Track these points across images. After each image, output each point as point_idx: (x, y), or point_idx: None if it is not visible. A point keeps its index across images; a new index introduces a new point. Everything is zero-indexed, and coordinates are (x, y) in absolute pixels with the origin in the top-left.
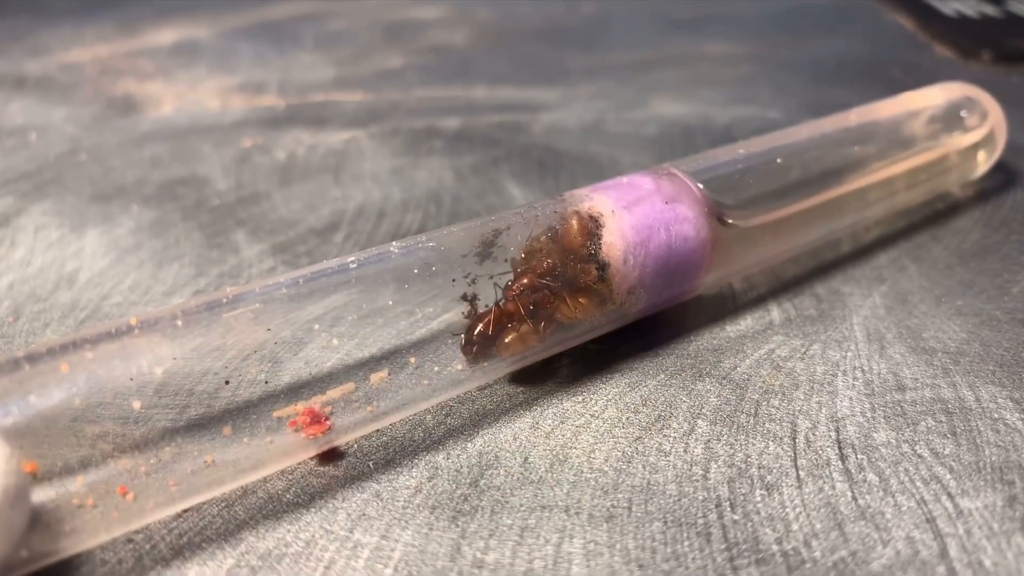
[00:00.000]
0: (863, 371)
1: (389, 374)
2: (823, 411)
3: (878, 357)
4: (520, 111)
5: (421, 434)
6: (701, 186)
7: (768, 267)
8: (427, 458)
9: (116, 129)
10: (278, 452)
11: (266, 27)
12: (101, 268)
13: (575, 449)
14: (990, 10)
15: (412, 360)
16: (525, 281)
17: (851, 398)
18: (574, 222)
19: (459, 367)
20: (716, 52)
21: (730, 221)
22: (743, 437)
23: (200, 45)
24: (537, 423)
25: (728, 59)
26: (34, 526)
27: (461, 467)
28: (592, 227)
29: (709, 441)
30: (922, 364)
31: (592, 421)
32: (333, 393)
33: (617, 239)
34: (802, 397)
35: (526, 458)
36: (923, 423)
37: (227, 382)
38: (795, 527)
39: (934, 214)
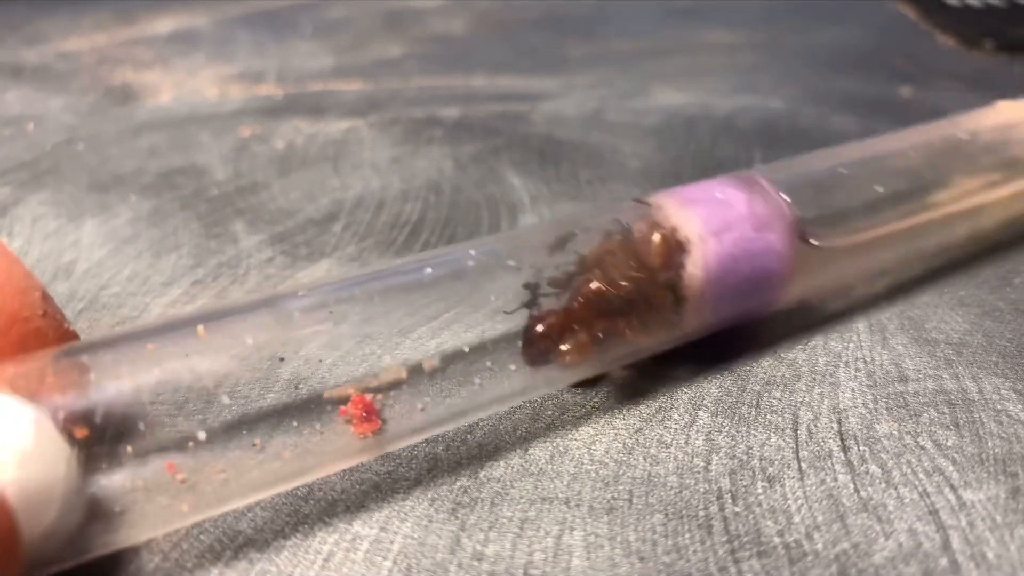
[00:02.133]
0: (865, 362)
1: (440, 363)
2: (825, 402)
3: (880, 348)
4: (520, 100)
5: None
6: (793, 208)
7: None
8: (426, 450)
9: (114, 118)
10: (331, 450)
11: (264, 15)
12: (99, 258)
13: (575, 441)
14: None
15: (471, 361)
16: (597, 288)
17: (853, 389)
18: (658, 242)
19: (515, 371)
20: (717, 40)
21: (814, 242)
22: (744, 428)
23: (198, 33)
24: (537, 414)
25: (729, 48)
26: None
27: (461, 459)
28: (677, 253)
29: (710, 432)
30: (924, 355)
31: (592, 412)
32: (385, 376)
33: (700, 271)
34: (804, 388)
35: (526, 450)
36: (925, 414)
37: (281, 359)
38: (797, 519)
39: None
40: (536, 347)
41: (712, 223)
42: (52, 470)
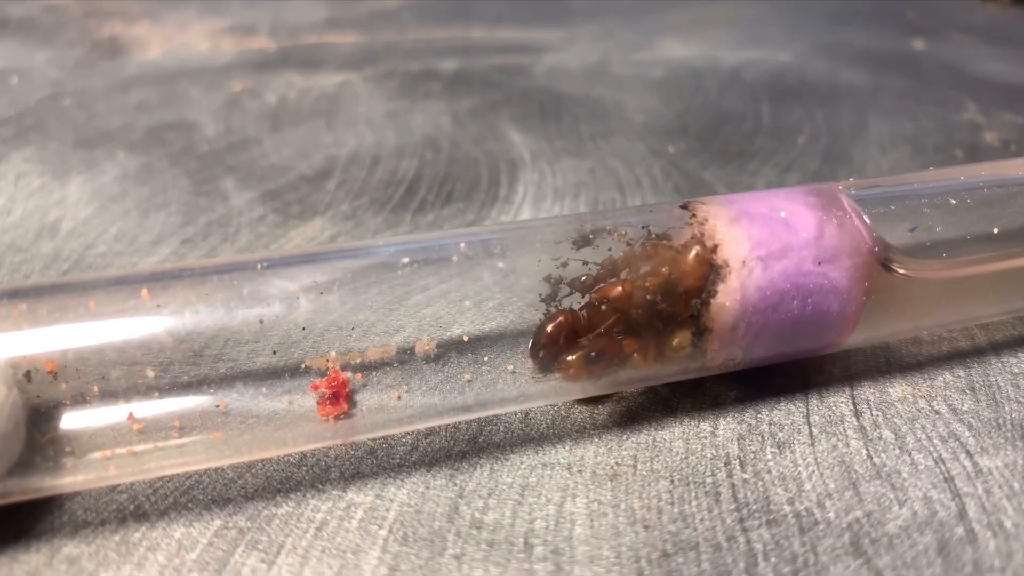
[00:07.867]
0: None
1: (437, 346)
2: (836, 365)
3: None
4: (521, 53)
5: None
6: (875, 234)
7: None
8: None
9: (101, 73)
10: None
11: None
12: (85, 217)
13: (578, 404)
14: None
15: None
16: (609, 301)
17: (865, 352)
18: (691, 260)
19: (513, 373)
20: None
21: (899, 270)
22: (753, 392)
23: None
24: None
25: None
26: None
27: (459, 423)
28: (710, 277)
29: (717, 396)
30: None
31: None
32: (371, 352)
33: (734, 303)
34: None
35: (527, 413)
36: (940, 378)
37: (261, 321)
38: (808, 486)
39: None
40: (539, 348)
41: (763, 247)
42: None
